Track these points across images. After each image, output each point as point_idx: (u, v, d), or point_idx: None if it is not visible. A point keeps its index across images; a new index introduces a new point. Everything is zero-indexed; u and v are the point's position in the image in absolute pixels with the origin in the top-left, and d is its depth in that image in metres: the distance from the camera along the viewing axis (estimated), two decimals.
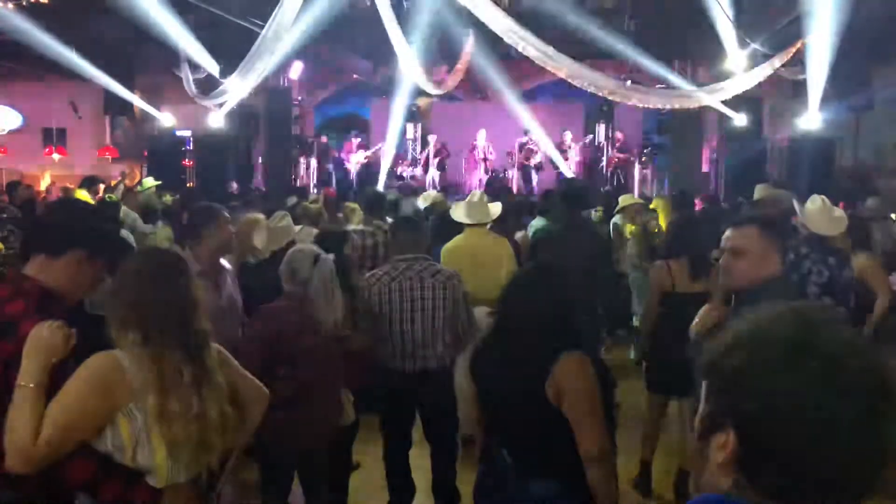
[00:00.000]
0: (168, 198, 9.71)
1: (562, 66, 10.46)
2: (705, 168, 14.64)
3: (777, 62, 11.33)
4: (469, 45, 11.85)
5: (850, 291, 4.17)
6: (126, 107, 14.99)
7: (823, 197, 4.67)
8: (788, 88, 13.60)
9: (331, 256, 3.44)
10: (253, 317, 3.52)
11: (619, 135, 16.44)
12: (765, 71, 11.41)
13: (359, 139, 17.14)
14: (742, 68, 11.39)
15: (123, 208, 7.40)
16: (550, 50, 10.15)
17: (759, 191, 6.99)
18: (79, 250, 2.29)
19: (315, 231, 4.82)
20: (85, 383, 2.02)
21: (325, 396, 3.42)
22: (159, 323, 2.09)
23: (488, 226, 5.28)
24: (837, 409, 0.93)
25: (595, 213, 8.27)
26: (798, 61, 11.14)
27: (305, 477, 3.57)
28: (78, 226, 2.39)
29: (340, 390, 3.58)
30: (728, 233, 2.76)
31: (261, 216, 4.66)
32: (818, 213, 4.54)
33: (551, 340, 2.53)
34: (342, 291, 3.45)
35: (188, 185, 14.12)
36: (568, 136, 16.20)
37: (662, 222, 6.98)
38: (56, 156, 16.38)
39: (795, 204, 4.93)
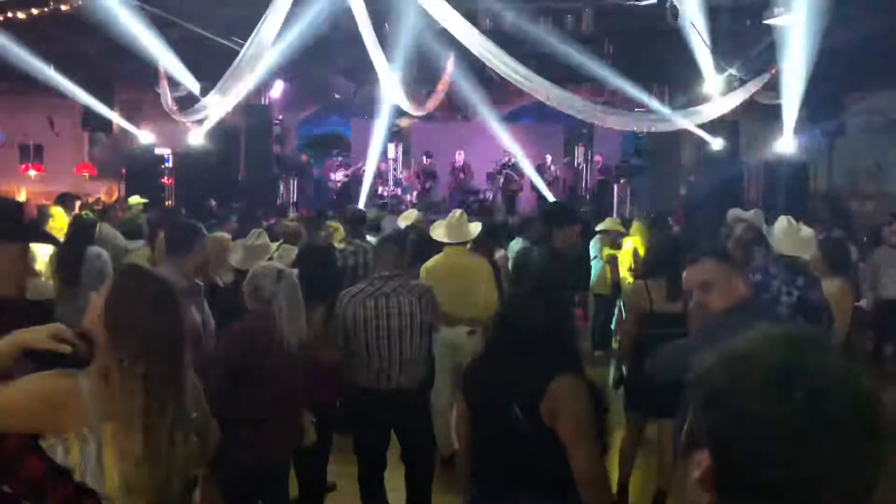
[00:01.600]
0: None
1: (540, 89, 10.57)
2: (683, 191, 14.80)
3: (752, 87, 11.55)
4: (450, 67, 11.93)
5: (821, 312, 4.20)
6: (105, 123, 14.86)
7: (790, 217, 4.71)
8: (764, 113, 13.83)
9: (294, 271, 3.40)
10: (219, 337, 3.48)
11: (598, 157, 16.60)
12: (740, 96, 11.63)
13: (339, 158, 17.15)
14: (718, 93, 11.59)
15: (101, 225, 7.32)
16: (529, 73, 10.27)
17: (731, 214, 7.07)
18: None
19: (295, 249, 4.78)
20: (34, 393, 1.94)
21: (287, 417, 3.37)
22: (154, 354, 1.99)
23: (468, 246, 5.29)
24: (819, 442, 0.90)
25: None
26: (773, 87, 11.36)
27: (269, 501, 3.50)
28: None
29: (303, 410, 3.53)
30: (687, 273, 2.79)
31: (226, 235, 4.61)
32: (784, 233, 4.58)
33: (548, 360, 2.53)
34: (322, 307, 3.41)
35: (167, 203, 14.03)
36: (548, 157, 16.33)
37: (640, 244, 7.03)
38: (33, 172, 16.21)
39: (764, 225, 4.97)
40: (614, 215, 12.41)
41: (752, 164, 14.41)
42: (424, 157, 16.65)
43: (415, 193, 16.33)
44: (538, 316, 2.61)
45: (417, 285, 4.16)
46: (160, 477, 2.00)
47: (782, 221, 4.68)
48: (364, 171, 15.80)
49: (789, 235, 4.54)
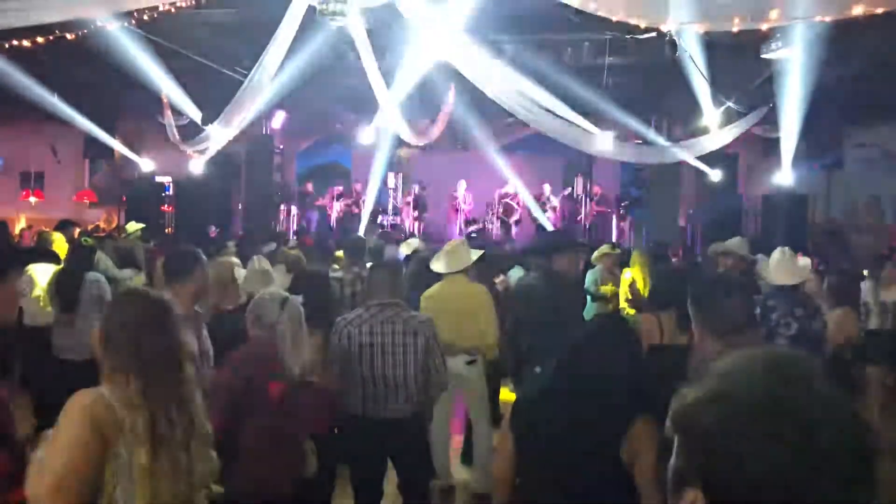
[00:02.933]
0: (151, 243, 9.63)
1: (539, 120, 10.64)
2: (682, 222, 14.84)
3: (750, 120, 11.65)
4: (451, 98, 12.03)
5: (822, 342, 4.17)
6: (106, 151, 14.98)
7: (785, 248, 4.70)
8: (762, 146, 13.93)
9: (299, 299, 3.38)
10: (221, 364, 3.45)
11: (597, 188, 16.66)
12: (738, 129, 11.72)
13: (340, 188, 17.22)
14: (717, 126, 11.67)
15: (98, 253, 7.32)
16: (529, 103, 10.35)
17: (713, 249, 7.05)
18: None
19: (288, 275, 4.77)
20: (76, 422, 1.97)
21: (290, 445, 3.33)
22: (152, 369, 2.05)
23: (469, 275, 5.27)
24: (815, 475, 0.89)
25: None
26: (771, 120, 11.45)
27: None
28: None
29: (304, 439, 3.49)
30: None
31: (234, 259, 4.61)
32: (778, 263, 4.57)
33: (630, 400, 2.52)
34: (318, 333, 3.38)
35: (167, 230, 14.05)
36: (547, 188, 16.40)
37: (639, 275, 7.01)
38: (33, 199, 16.26)
39: (748, 254, 4.96)
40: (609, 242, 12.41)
41: (750, 195, 14.48)
42: (416, 187, 16.72)
43: (406, 222, 16.39)
44: (619, 356, 2.58)
45: (414, 315, 4.12)
46: (183, 491, 2.05)
47: (777, 253, 4.67)
48: (364, 200, 15.86)
49: (784, 265, 4.54)
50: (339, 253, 7.00)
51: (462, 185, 16.47)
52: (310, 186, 17.29)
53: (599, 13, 6.15)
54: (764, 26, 6.37)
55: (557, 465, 2.57)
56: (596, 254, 7.92)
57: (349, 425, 3.95)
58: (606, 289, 7.53)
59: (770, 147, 12.61)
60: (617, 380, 2.53)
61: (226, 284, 4.32)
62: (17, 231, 13.47)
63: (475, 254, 5.25)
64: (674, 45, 8.01)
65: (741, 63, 9.90)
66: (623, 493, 2.45)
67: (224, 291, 4.32)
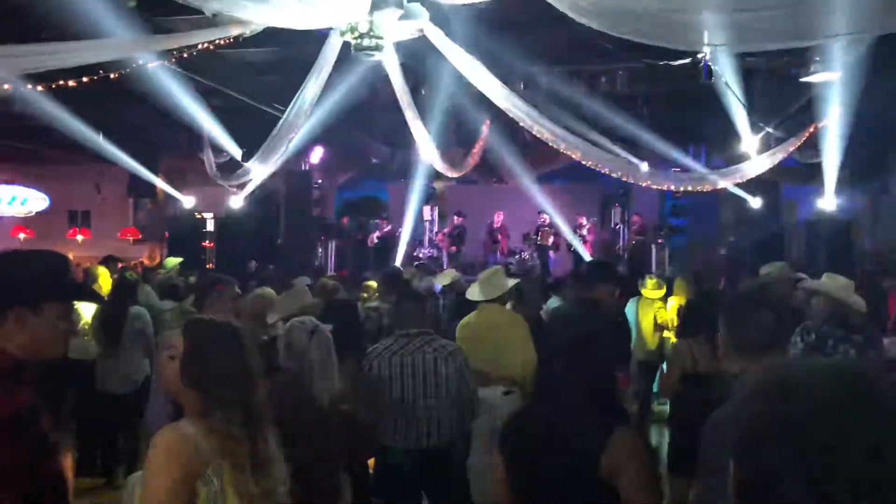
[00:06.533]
0: (192, 278, 9.78)
1: (576, 149, 10.61)
2: (723, 250, 14.60)
3: (790, 146, 11.45)
4: (486, 130, 12.09)
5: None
6: (149, 189, 15.33)
7: (829, 273, 4.63)
8: (804, 172, 13.68)
9: (329, 327, 3.37)
10: None
11: (635, 217, 16.52)
12: (778, 155, 11.53)
13: (377, 221, 17.35)
14: (756, 152, 11.51)
15: (145, 285, 7.49)
16: (564, 133, 10.33)
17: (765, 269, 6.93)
18: (17, 308, 2.01)
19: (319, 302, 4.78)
20: (160, 466, 2.02)
21: (323, 477, 3.29)
22: (225, 394, 2.09)
23: (508, 305, 5.23)
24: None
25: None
26: (812, 145, 11.25)
27: None
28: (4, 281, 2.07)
29: (339, 470, 3.45)
30: None
31: (269, 290, 4.65)
32: (828, 278, 4.52)
33: (602, 414, 2.43)
34: (350, 362, 3.36)
35: (207, 266, 14.28)
36: (584, 218, 16.32)
37: (678, 303, 6.92)
38: (80, 237, 16.70)
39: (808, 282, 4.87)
40: (654, 275, 12.25)
41: (792, 222, 14.20)
42: (455, 217, 16.76)
43: (444, 254, 16.40)
44: (587, 367, 2.52)
45: (445, 344, 4.09)
46: None
47: (824, 277, 4.60)
48: (400, 232, 15.95)
49: (832, 280, 4.47)
50: (371, 283, 7.01)
51: (499, 216, 16.47)
52: (346, 220, 17.46)
53: (631, 37, 6.13)
54: (802, 44, 6.28)
55: (537, 482, 2.50)
56: (649, 290, 7.80)
57: (383, 456, 3.91)
58: (664, 315, 7.45)
59: (812, 173, 12.38)
60: (588, 392, 2.43)
61: (261, 315, 4.35)
62: None
63: (511, 282, 5.21)
64: (709, 70, 7.95)
65: (779, 88, 9.79)
66: None
67: (259, 322, 4.35)
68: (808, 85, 8.99)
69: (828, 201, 12.02)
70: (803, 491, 0.85)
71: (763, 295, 2.78)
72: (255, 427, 2.13)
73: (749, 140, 11.26)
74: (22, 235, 16.34)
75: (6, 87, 7.11)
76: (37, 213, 16.77)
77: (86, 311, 6.62)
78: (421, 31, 7.02)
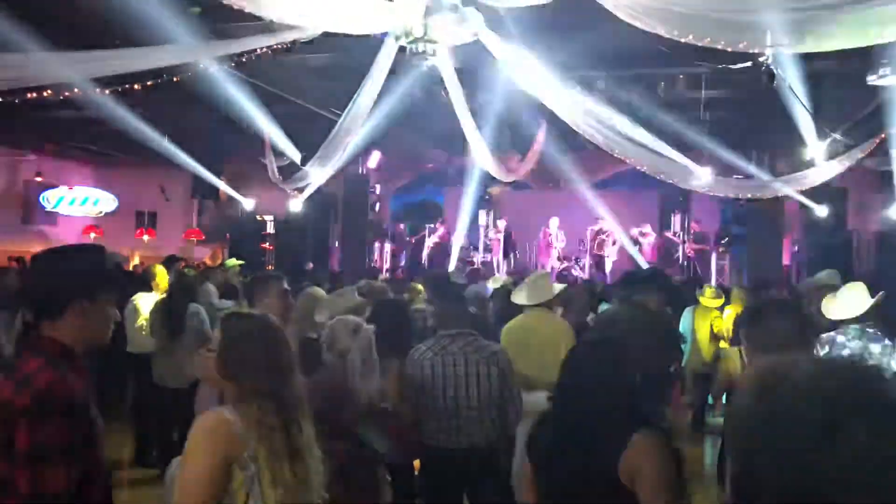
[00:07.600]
0: (248, 278, 10.00)
1: (634, 156, 10.45)
2: (786, 260, 14.16)
3: (859, 153, 11.03)
4: (541, 135, 12.02)
5: None
6: (212, 191, 15.74)
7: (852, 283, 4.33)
8: (874, 179, 13.17)
9: (371, 327, 3.40)
10: None
11: (694, 225, 16.18)
12: (846, 162, 11.12)
13: (432, 226, 17.45)
14: (822, 159, 11.12)
15: (207, 283, 7.70)
16: (623, 139, 10.19)
17: (802, 287, 6.70)
18: (76, 302, 2.13)
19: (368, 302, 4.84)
20: (199, 447, 2.10)
21: (364, 475, 3.32)
22: (258, 384, 2.16)
23: (558, 312, 5.19)
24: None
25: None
26: (883, 152, 10.82)
27: None
28: (62, 282, 2.19)
29: (380, 469, 3.47)
30: None
31: (319, 290, 4.72)
32: (839, 293, 4.22)
33: (623, 417, 2.42)
34: (395, 362, 3.39)
35: (267, 267, 14.58)
36: (642, 226, 16.06)
37: (734, 312, 6.75)
38: (146, 237, 17.26)
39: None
40: (713, 284, 11.97)
41: (862, 232, 13.68)
42: (505, 223, 16.72)
43: (495, 259, 16.37)
44: (605, 370, 2.49)
45: (487, 345, 4.09)
46: (310, 499, 2.17)
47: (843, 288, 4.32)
48: (454, 237, 16.01)
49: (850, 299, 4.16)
50: (417, 285, 7.05)
51: (555, 222, 16.36)
52: (401, 226, 17.62)
53: (690, 40, 6.01)
54: (866, 43, 6.04)
55: (557, 485, 2.51)
56: (707, 299, 7.66)
57: (425, 455, 3.92)
58: (721, 324, 7.31)
59: (883, 180, 11.90)
60: (607, 395, 2.44)
61: (310, 314, 4.42)
62: (130, 267, 14.30)
63: (557, 287, 5.17)
64: (771, 74, 7.73)
65: (847, 92, 9.45)
66: None
67: (308, 320, 4.42)
68: (877, 89, 8.65)
69: None
70: (788, 483, 0.82)
71: (786, 302, 2.75)
72: (289, 417, 2.18)
73: (815, 146, 10.89)
74: (93, 235, 16.97)
75: (76, 91, 7.41)
76: (106, 213, 17.41)
77: (144, 306, 6.84)
78: (476, 35, 7.03)
